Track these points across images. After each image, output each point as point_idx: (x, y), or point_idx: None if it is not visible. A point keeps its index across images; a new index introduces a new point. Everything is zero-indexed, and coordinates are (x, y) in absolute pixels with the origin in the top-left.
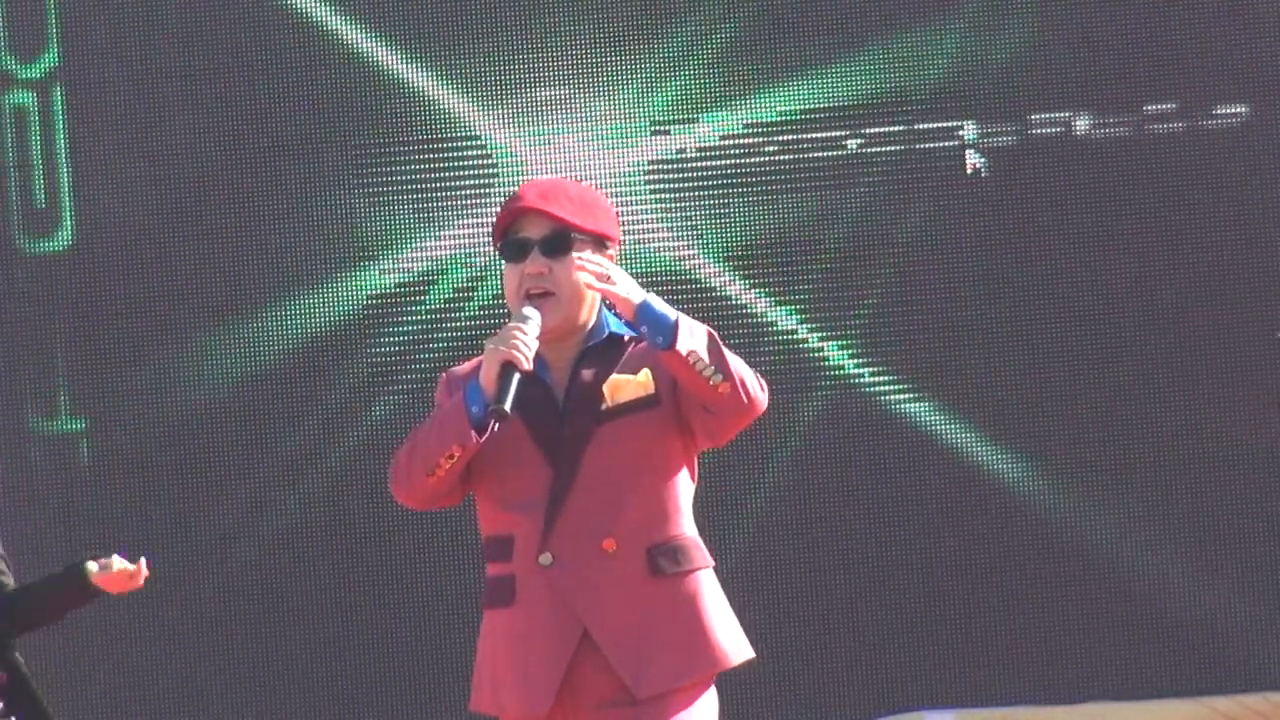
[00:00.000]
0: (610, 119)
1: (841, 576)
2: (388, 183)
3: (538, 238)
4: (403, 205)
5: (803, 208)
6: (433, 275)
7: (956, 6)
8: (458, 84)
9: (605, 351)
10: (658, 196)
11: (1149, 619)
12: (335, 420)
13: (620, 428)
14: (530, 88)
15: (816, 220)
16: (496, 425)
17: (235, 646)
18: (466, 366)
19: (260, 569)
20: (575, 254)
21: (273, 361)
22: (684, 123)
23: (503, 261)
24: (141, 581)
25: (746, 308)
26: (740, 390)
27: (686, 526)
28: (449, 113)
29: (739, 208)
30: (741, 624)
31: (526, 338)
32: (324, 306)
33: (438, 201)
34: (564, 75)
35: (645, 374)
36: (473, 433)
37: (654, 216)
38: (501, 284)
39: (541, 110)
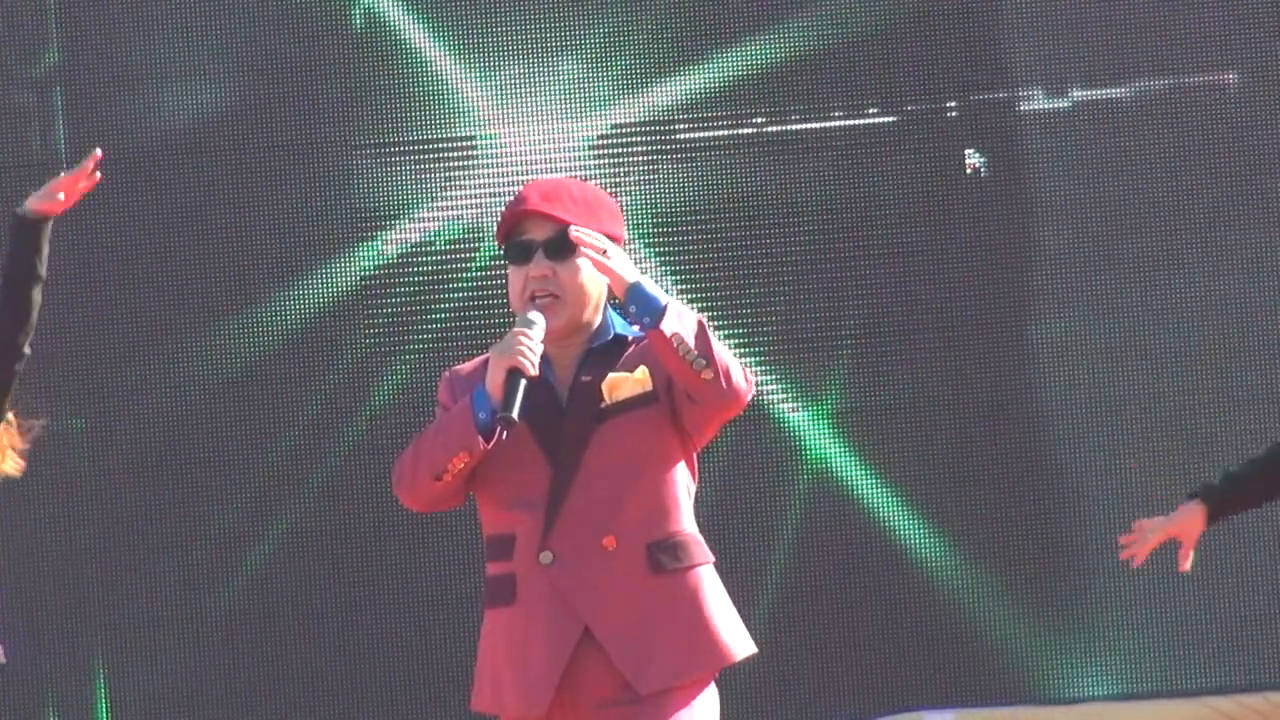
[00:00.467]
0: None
1: (841, 576)
2: (388, 182)
3: (541, 240)
4: (403, 201)
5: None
6: (426, 257)
7: None
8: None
9: (610, 352)
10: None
11: (1149, 619)
12: (336, 419)
13: (620, 425)
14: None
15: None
16: (505, 434)
17: (235, 646)
18: (469, 366)
19: (260, 569)
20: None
21: (273, 361)
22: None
23: (507, 264)
24: (93, 168)
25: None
26: (722, 379)
27: (687, 523)
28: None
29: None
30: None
31: (531, 343)
32: (324, 306)
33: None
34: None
35: (642, 371)
36: (480, 439)
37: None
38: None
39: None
